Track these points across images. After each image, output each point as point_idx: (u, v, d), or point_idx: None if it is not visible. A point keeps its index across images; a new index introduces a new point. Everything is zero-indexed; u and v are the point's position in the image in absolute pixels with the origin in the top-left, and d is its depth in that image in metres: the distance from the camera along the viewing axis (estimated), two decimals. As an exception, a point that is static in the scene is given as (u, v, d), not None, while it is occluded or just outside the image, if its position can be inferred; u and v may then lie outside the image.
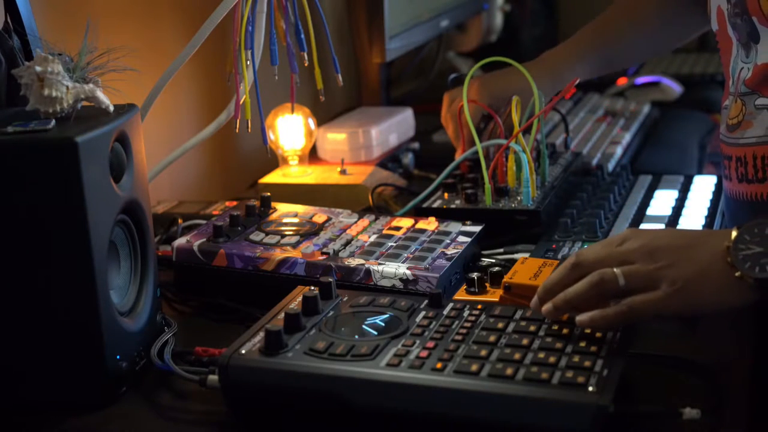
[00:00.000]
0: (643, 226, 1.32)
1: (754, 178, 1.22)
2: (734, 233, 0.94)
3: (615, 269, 0.94)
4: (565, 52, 1.63)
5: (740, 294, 0.93)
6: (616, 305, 0.94)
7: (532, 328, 0.95)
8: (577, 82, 1.41)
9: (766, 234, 0.93)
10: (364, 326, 0.98)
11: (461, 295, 1.12)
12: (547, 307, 0.96)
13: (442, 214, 1.36)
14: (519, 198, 1.38)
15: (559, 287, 0.97)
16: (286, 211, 1.34)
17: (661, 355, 1.00)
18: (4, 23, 1.13)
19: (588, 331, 0.94)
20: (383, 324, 0.98)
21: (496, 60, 1.45)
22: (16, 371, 0.97)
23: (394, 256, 1.20)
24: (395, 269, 1.15)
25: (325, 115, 1.86)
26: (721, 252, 0.94)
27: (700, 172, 1.78)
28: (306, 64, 1.41)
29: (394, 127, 1.78)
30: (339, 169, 1.63)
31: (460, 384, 0.87)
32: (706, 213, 1.37)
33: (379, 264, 1.17)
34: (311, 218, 1.32)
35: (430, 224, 1.30)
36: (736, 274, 0.92)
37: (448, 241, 1.25)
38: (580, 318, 0.94)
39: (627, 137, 1.81)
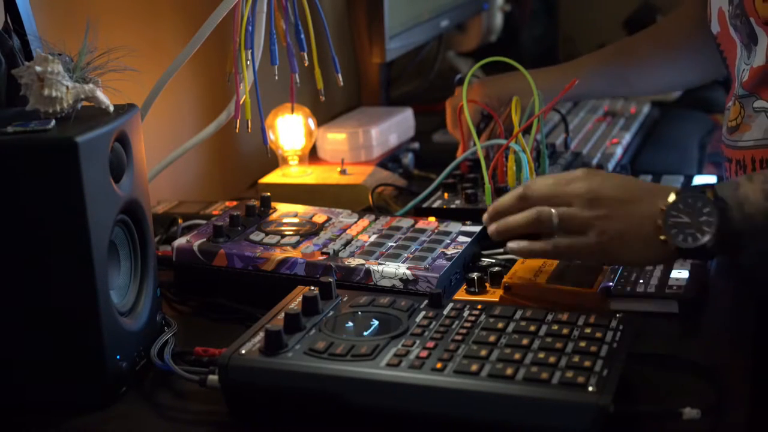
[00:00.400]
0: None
1: None
2: (671, 198, 0.99)
3: (552, 210, 1.02)
4: (578, 64, 1.60)
5: (661, 255, 1.01)
6: (543, 242, 1.03)
7: (532, 328, 0.95)
8: (576, 83, 1.41)
9: (698, 207, 0.98)
10: (363, 326, 0.98)
11: (461, 295, 1.12)
12: (491, 227, 1.07)
13: (442, 214, 1.36)
14: (519, 198, 1.38)
15: (505, 213, 1.07)
16: (286, 211, 1.34)
17: (661, 355, 1.00)
18: (4, 23, 1.13)
19: (588, 330, 0.94)
20: (382, 324, 0.98)
21: (496, 60, 1.45)
22: (16, 371, 0.97)
23: (394, 256, 1.20)
24: (395, 269, 1.15)
25: (325, 115, 1.86)
26: (655, 213, 0.99)
27: (700, 172, 1.78)
28: (306, 64, 1.41)
29: (394, 127, 1.78)
30: (339, 169, 1.63)
31: (460, 384, 0.87)
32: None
33: (379, 264, 1.17)
34: (311, 218, 1.32)
35: (430, 224, 1.30)
36: (662, 237, 0.99)
37: (448, 241, 1.25)
38: (510, 245, 1.05)
39: (627, 137, 1.81)
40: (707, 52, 1.43)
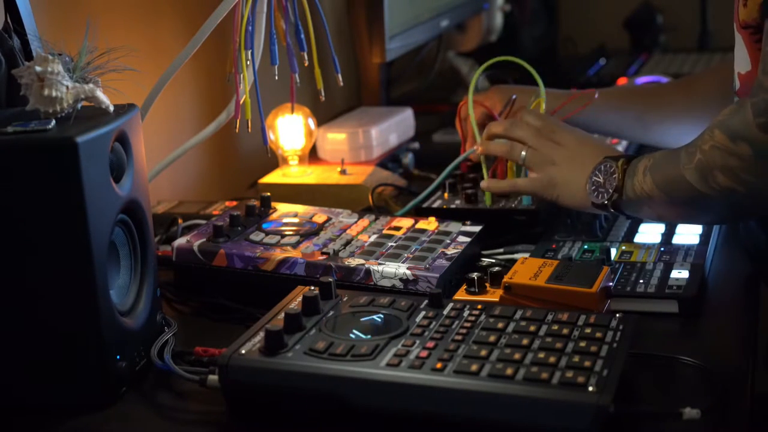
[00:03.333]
0: (643, 226, 1.32)
1: None
2: (598, 161, 1.21)
3: (523, 150, 1.30)
4: (593, 94, 1.53)
5: (586, 204, 1.23)
6: (507, 180, 1.34)
7: (532, 328, 0.95)
8: (596, 96, 1.40)
9: (610, 172, 1.19)
10: (363, 326, 0.98)
11: (461, 295, 1.11)
12: (482, 143, 1.38)
13: (442, 214, 1.36)
14: (519, 198, 1.38)
15: (496, 133, 1.35)
16: (286, 211, 1.34)
17: (661, 355, 1.00)
18: (4, 23, 1.13)
19: (588, 330, 0.94)
20: (382, 324, 0.98)
21: (503, 60, 1.44)
22: (16, 371, 0.97)
23: (394, 256, 1.20)
24: (395, 269, 1.15)
25: (325, 115, 1.86)
26: (591, 168, 1.22)
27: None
28: (306, 64, 1.41)
29: (394, 127, 1.78)
30: (339, 169, 1.63)
31: (460, 384, 0.87)
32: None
33: (379, 264, 1.17)
34: (311, 218, 1.32)
35: (430, 224, 1.30)
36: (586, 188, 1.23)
37: (448, 241, 1.25)
38: (483, 182, 1.36)
39: (627, 137, 1.80)
40: None
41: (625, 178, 1.18)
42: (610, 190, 1.19)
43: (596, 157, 1.23)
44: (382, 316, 1.00)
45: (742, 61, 1.18)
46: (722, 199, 1.08)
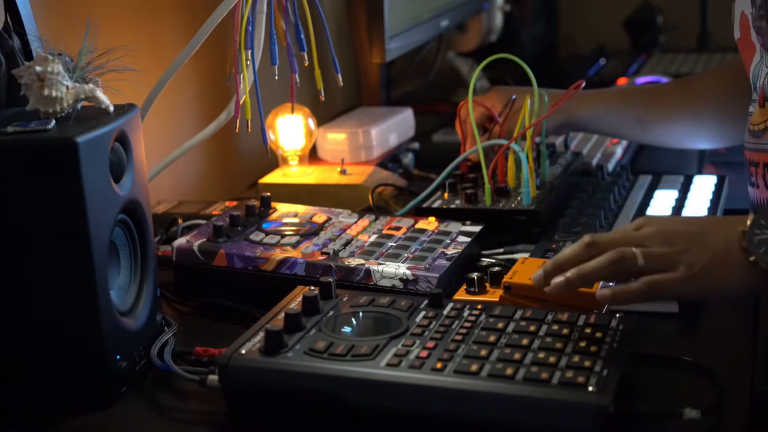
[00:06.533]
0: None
1: None
2: (750, 218, 0.95)
3: (634, 249, 0.96)
4: (592, 96, 1.52)
5: (754, 279, 0.94)
6: (638, 282, 0.95)
7: (532, 328, 0.95)
8: (582, 85, 1.39)
9: None
10: (364, 326, 0.98)
11: (461, 295, 1.12)
12: (558, 280, 0.97)
13: (442, 214, 1.36)
14: (519, 198, 1.38)
15: (571, 264, 0.98)
16: (286, 211, 1.34)
17: (661, 355, 1.00)
18: (4, 23, 1.13)
19: (588, 330, 0.94)
20: (382, 324, 0.98)
21: (500, 57, 1.44)
22: (16, 371, 0.97)
23: (394, 256, 1.20)
24: (395, 269, 1.15)
25: (325, 115, 1.86)
26: (736, 237, 0.95)
27: (700, 172, 1.78)
28: (306, 64, 1.41)
29: (394, 127, 1.78)
30: (339, 169, 1.63)
31: (460, 384, 0.87)
32: (706, 213, 1.37)
33: (379, 264, 1.17)
34: (311, 218, 1.32)
35: (430, 224, 1.30)
36: (751, 258, 0.94)
37: (448, 241, 1.25)
38: (602, 292, 0.95)
39: (627, 137, 1.81)
40: (735, 118, 1.37)
41: None
42: None
43: (717, 225, 0.99)
44: (382, 316, 1.00)
45: None
46: None
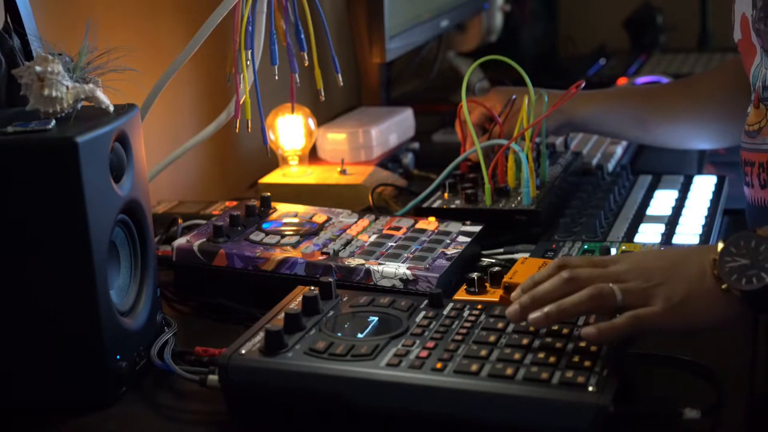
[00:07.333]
0: (643, 226, 1.32)
1: None
2: (720, 246, 0.94)
3: (612, 285, 0.94)
4: (592, 96, 1.52)
5: (732, 306, 0.93)
6: (623, 316, 0.93)
7: (532, 328, 0.95)
8: (583, 85, 1.39)
9: (752, 246, 0.93)
10: (364, 326, 0.98)
11: (461, 295, 1.12)
12: (536, 315, 0.94)
13: (442, 214, 1.36)
14: (519, 198, 1.38)
15: (550, 298, 0.95)
16: (286, 211, 1.34)
17: (661, 355, 1.00)
18: (4, 23, 1.13)
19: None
20: (382, 324, 0.98)
21: (495, 59, 1.44)
22: (16, 371, 0.97)
23: (394, 256, 1.20)
24: (395, 269, 1.15)
25: (325, 115, 1.86)
26: (708, 266, 0.94)
27: (700, 172, 1.78)
28: (306, 64, 1.41)
29: (394, 127, 1.78)
30: (339, 169, 1.63)
31: (460, 384, 0.87)
32: (706, 213, 1.37)
33: (379, 264, 1.17)
34: (311, 218, 1.32)
35: (430, 224, 1.30)
36: (723, 286, 0.93)
37: (448, 241, 1.25)
38: (587, 330, 0.92)
39: (627, 137, 1.81)
40: (735, 118, 1.36)
41: None
42: (766, 265, 0.92)
43: (691, 255, 0.97)
44: (382, 316, 1.00)
45: None
46: None
